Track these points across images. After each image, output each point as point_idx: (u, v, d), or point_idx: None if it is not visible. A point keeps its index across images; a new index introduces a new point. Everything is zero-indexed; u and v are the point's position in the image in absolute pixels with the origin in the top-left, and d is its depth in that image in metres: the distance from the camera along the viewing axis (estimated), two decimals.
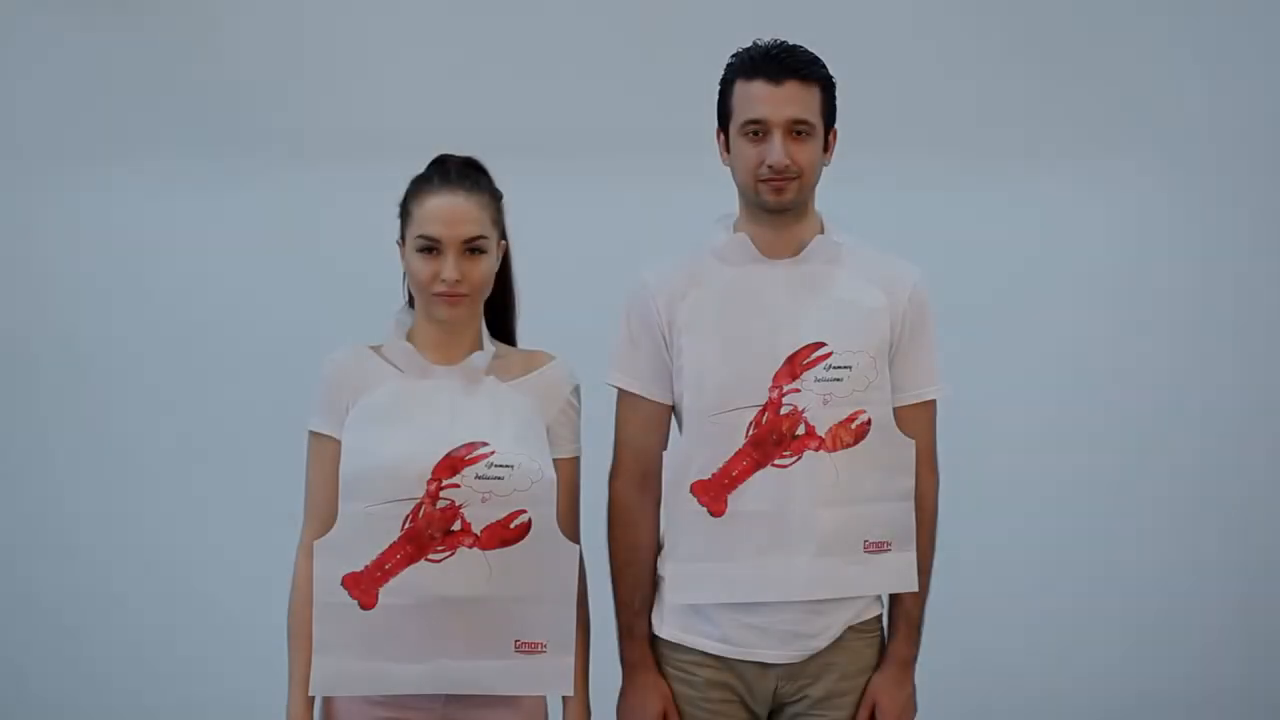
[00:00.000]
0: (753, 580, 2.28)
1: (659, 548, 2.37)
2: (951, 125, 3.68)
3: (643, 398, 2.35)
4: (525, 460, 2.17)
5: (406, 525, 2.14)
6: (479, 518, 2.15)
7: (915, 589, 2.34)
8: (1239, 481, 3.72)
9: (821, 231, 2.34)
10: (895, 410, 2.32)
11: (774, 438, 2.26)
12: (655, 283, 2.34)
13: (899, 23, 3.69)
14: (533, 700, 2.24)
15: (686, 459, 2.30)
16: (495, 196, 2.25)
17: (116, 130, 3.68)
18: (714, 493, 2.28)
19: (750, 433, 2.26)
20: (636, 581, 2.36)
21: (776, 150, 2.23)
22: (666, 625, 2.36)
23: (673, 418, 2.38)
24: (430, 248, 2.18)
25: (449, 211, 2.17)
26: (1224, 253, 3.73)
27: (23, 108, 3.70)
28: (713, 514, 2.28)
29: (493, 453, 2.16)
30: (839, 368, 2.26)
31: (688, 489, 2.29)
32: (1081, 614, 3.72)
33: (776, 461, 2.26)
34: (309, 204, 3.65)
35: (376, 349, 2.26)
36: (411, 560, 2.14)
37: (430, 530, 2.14)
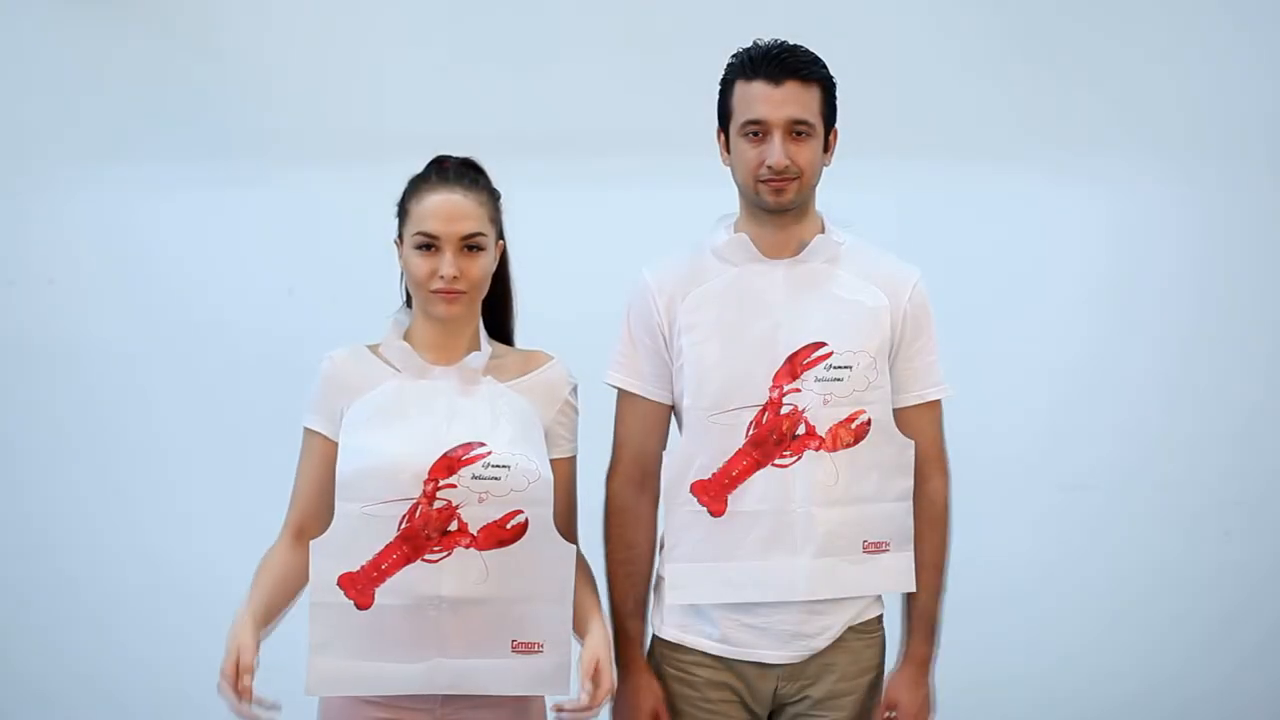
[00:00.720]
0: (753, 580, 2.28)
1: (657, 548, 2.37)
2: (951, 126, 3.68)
3: (642, 397, 2.35)
4: (522, 460, 2.17)
5: (403, 525, 2.13)
6: (476, 518, 2.15)
7: (914, 589, 2.34)
8: (1239, 482, 3.72)
9: (822, 231, 2.34)
10: (901, 411, 2.32)
11: (774, 437, 2.26)
12: (656, 282, 2.34)
13: (899, 24, 3.69)
14: (530, 701, 2.24)
15: (686, 459, 2.30)
16: (493, 195, 2.25)
17: (114, 130, 3.68)
18: (714, 492, 2.28)
19: (750, 432, 2.26)
20: (632, 582, 2.36)
21: (776, 151, 2.23)
22: (666, 625, 2.36)
23: (672, 417, 2.38)
24: (428, 245, 2.17)
25: (447, 208, 2.17)
26: (1224, 253, 3.73)
27: (22, 108, 3.69)
28: (713, 514, 2.28)
29: (489, 453, 2.16)
30: (839, 367, 2.26)
31: (688, 489, 2.29)
32: (1081, 614, 3.72)
33: (777, 461, 2.26)
34: (308, 204, 3.65)
35: (374, 349, 2.26)
36: (408, 560, 2.13)
37: (427, 530, 2.13)
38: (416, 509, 2.13)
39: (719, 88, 2.31)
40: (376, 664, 2.15)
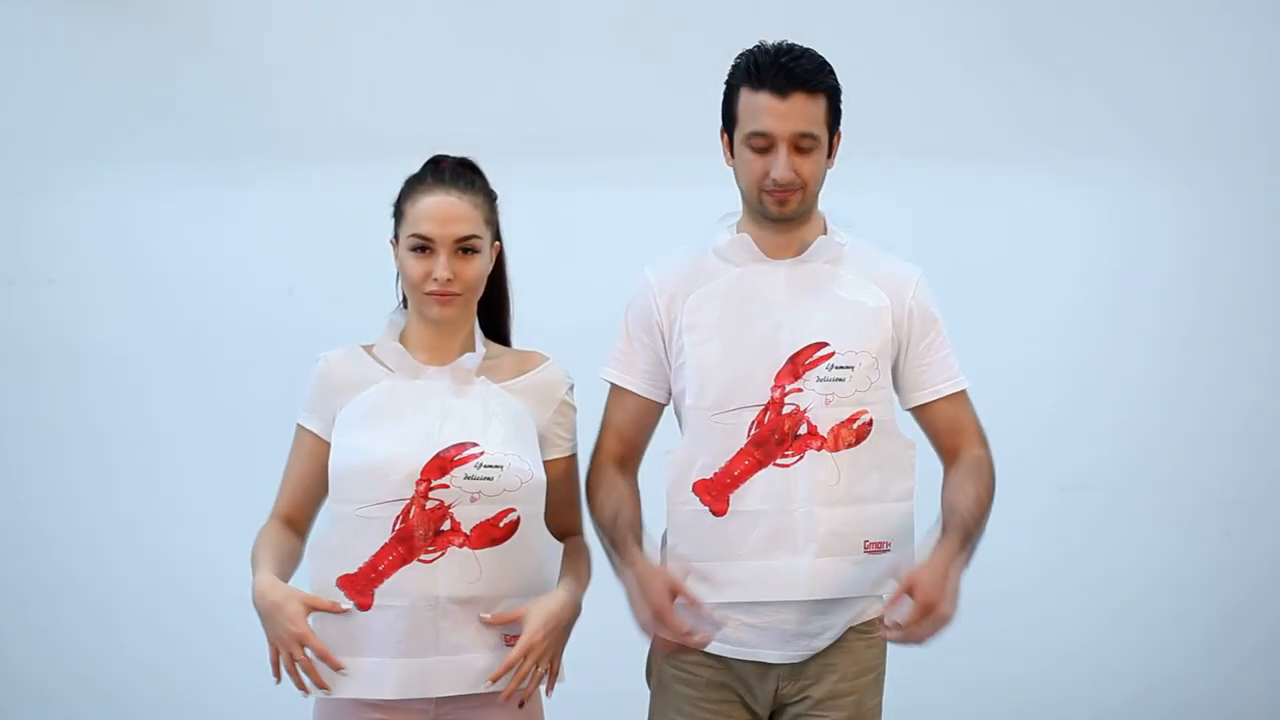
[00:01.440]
0: (754, 580, 2.27)
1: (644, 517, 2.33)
2: (951, 126, 3.68)
3: (633, 393, 2.36)
4: (515, 461, 2.17)
5: (397, 526, 2.14)
6: (468, 517, 2.15)
7: None
8: (1239, 482, 3.72)
9: (824, 232, 2.33)
10: (926, 407, 2.32)
11: (776, 437, 2.26)
12: (657, 281, 2.34)
13: (900, 23, 3.69)
14: (527, 700, 2.23)
15: (689, 459, 2.29)
16: (489, 196, 2.24)
17: (114, 130, 3.67)
18: (716, 492, 2.28)
19: (752, 432, 2.26)
20: (617, 509, 2.29)
21: (781, 165, 2.21)
22: None
23: (666, 415, 2.38)
24: (423, 247, 2.17)
25: (442, 210, 2.17)
26: (1224, 253, 3.73)
27: (21, 107, 3.69)
28: (715, 513, 2.28)
29: (482, 453, 2.16)
30: (841, 367, 2.26)
31: (689, 488, 2.29)
32: (1081, 614, 3.72)
33: (778, 461, 2.26)
34: (308, 204, 3.65)
35: (370, 349, 2.26)
36: (404, 561, 2.14)
37: (420, 531, 2.14)
38: (410, 509, 2.14)
39: (724, 88, 2.28)
40: (376, 664, 2.14)
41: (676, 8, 3.65)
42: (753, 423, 2.26)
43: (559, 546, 2.25)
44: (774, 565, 2.26)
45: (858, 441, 2.26)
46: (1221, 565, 3.72)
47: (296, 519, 2.25)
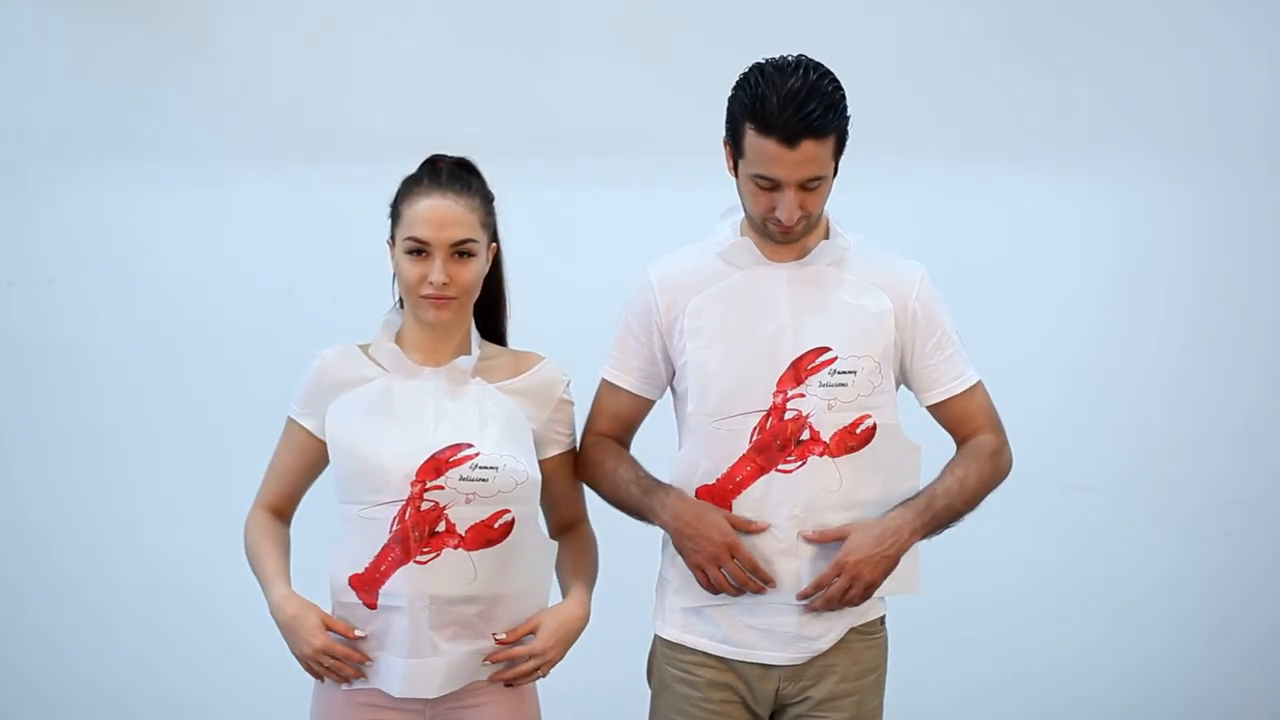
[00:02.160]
0: None
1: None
2: (951, 126, 3.68)
3: (625, 390, 2.37)
4: (510, 461, 2.17)
5: (394, 527, 2.14)
6: (463, 518, 2.15)
7: (917, 590, 2.34)
8: (1239, 482, 3.72)
9: (827, 235, 2.32)
10: (943, 404, 2.32)
11: (778, 443, 2.25)
12: (659, 281, 2.34)
13: (900, 24, 3.69)
14: (522, 699, 2.25)
15: (691, 464, 2.29)
16: (486, 198, 2.23)
17: (114, 130, 3.67)
18: (719, 498, 2.27)
19: (754, 438, 2.26)
20: (650, 476, 2.32)
21: (788, 208, 2.17)
22: (669, 626, 2.36)
23: (661, 413, 2.38)
24: (418, 250, 2.16)
25: (438, 214, 2.16)
26: (1224, 253, 3.73)
27: (21, 107, 3.69)
28: None
29: (477, 454, 2.16)
30: (844, 372, 2.25)
31: (693, 494, 2.28)
32: (1081, 615, 3.72)
33: (781, 466, 2.25)
34: (308, 204, 3.65)
35: (366, 349, 2.26)
36: (402, 562, 2.14)
37: (416, 532, 2.14)
38: (405, 511, 2.14)
39: (728, 106, 2.20)
40: (388, 660, 2.16)
41: (676, 8, 3.65)
42: (755, 428, 2.25)
43: (554, 546, 2.26)
44: (776, 569, 2.26)
45: (860, 446, 2.26)
46: (1221, 565, 3.72)
47: (283, 509, 2.29)
